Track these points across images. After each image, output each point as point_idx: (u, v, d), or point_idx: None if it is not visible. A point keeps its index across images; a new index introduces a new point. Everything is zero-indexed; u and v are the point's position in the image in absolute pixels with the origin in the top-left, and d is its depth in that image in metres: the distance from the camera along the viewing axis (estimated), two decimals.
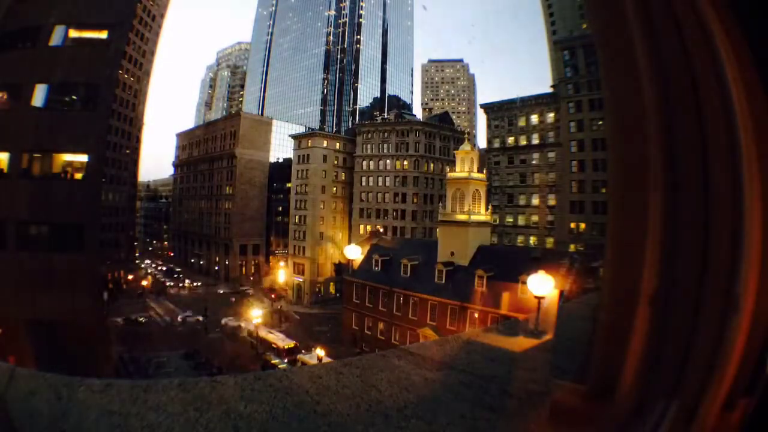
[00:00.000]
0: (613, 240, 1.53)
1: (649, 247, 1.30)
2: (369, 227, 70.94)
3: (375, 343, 41.78)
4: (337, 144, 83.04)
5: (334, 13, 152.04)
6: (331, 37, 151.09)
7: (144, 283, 77.00)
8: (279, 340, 46.59)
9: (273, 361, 41.69)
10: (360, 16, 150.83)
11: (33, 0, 22.42)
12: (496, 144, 69.43)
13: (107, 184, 63.28)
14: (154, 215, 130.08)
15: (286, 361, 41.47)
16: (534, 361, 2.02)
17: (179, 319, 57.98)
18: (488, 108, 71.54)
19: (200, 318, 56.62)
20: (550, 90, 67.13)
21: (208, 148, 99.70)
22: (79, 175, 22.71)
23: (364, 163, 78.23)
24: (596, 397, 1.36)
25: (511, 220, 66.20)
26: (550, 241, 61.03)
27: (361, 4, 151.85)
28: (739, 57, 0.99)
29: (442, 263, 39.24)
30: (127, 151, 74.45)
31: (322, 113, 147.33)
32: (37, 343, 20.55)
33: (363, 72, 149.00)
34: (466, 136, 55.67)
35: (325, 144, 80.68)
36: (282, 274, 74.92)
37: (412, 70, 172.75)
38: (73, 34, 22.85)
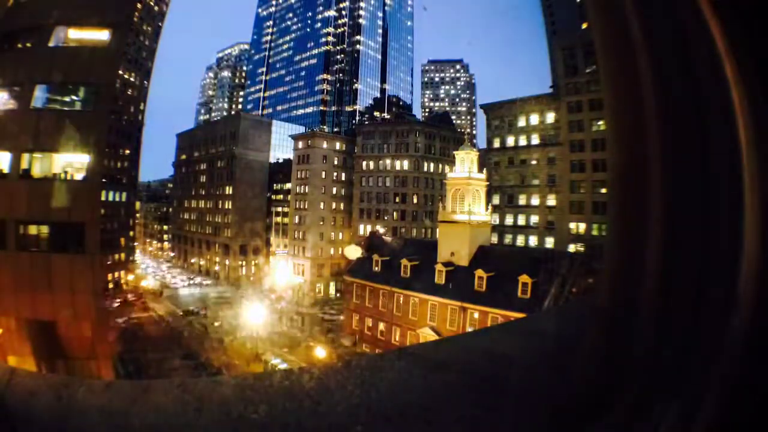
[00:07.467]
0: (613, 240, 1.53)
1: (648, 247, 1.30)
2: (369, 227, 70.94)
3: (375, 343, 41.80)
4: (337, 144, 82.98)
5: (334, 13, 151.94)
6: (331, 38, 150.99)
7: (144, 283, 76.97)
8: None
9: (272, 362, 41.74)
10: (360, 16, 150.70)
11: (33, 0, 22.43)
12: (496, 144, 69.38)
13: (107, 184, 63.25)
14: (154, 215, 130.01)
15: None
16: (534, 361, 2.02)
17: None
18: (488, 108, 71.50)
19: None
20: (550, 90, 67.10)
21: (208, 148, 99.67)
22: (79, 175, 22.70)
23: (365, 163, 78.19)
24: (596, 397, 1.36)
25: (511, 220, 66.17)
26: (550, 241, 61.03)
27: (361, 4, 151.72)
28: (739, 57, 0.99)
29: (442, 263, 39.25)
30: (127, 151, 74.44)
31: (322, 113, 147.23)
32: (37, 343, 20.56)
33: (363, 72, 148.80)
34: (466, 136, 55.71)
35: (325, 144, 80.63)
36: (282, 274, 74.82)
37: (412, 70, 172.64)
38: (73, 34, 22.84)
